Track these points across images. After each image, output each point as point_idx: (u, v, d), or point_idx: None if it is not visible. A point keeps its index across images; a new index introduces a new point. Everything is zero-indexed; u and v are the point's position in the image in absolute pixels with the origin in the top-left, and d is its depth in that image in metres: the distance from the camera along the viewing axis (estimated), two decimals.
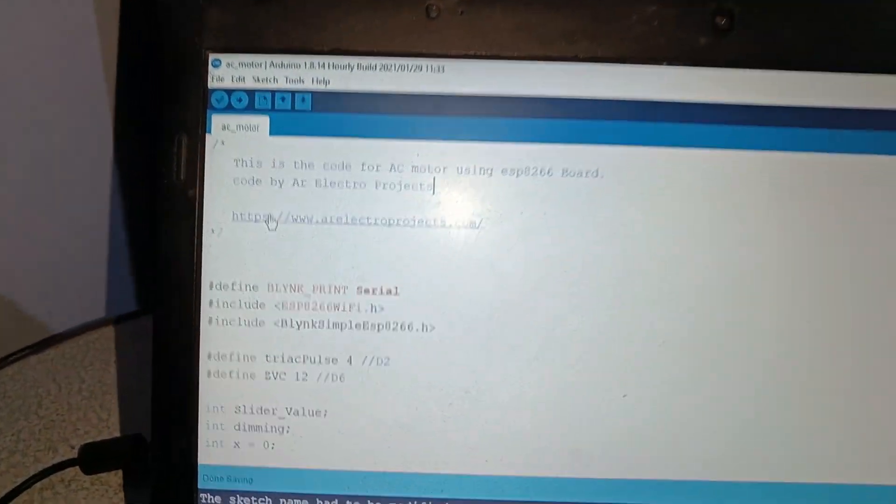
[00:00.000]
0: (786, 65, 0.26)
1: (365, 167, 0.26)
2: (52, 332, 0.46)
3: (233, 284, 0.26)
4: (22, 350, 0.44)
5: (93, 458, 0.36)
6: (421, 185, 0.26)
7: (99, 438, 0.38)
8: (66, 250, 0.45)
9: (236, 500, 0.26)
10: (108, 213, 0.45)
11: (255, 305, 0.26)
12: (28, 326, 0.45)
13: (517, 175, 0.26)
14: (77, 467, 0.36)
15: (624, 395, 0.26)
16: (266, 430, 0.26)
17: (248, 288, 0.26)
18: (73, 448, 0.38)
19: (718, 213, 0.26)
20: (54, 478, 0.36)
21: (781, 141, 0.26)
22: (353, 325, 0.26)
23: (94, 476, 0.36)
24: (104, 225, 0.46)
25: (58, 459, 0.36)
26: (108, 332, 0.46)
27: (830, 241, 0.26)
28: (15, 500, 0.34)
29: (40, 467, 0.36)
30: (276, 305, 0.26)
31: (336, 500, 0.26)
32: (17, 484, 0.35)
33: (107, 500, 0.35)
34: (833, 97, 0.26)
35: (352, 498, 0.26)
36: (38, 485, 0.35)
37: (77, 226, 0.45)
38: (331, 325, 0.26)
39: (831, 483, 0.27)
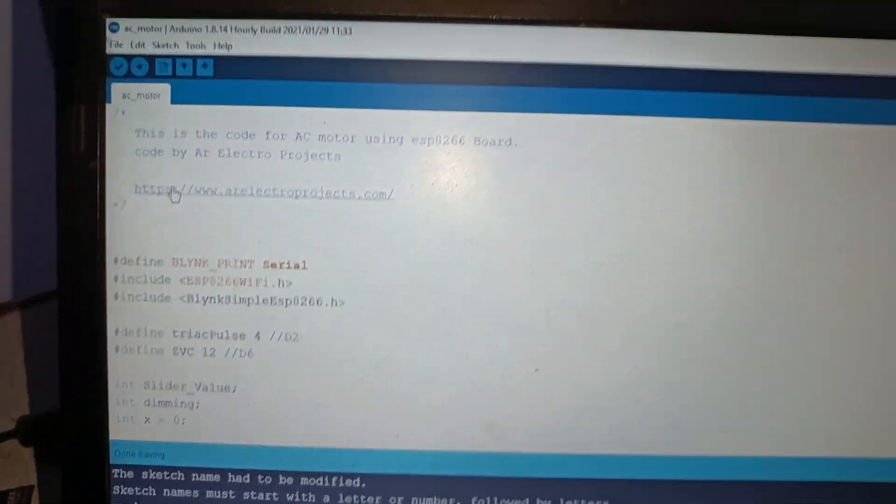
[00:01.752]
0: (706, 27, 0.24)
1: (270, 136, 0.25)
2: None
3: (137, 259, 0.25)
4: None
5: (31, 431, 0.36)
6: (328, 154, 0.25)
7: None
8: (6, 218, 0.44)
9: (149, 475, 0.26)
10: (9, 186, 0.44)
11: (160, 280, 0.25)
12: None
13: (428, 144, 0.25)
14: (15, 440, 0.36)
15: (536, 370, 0.25)
16: (176, 406, 0.26)
17: (152, 263, 0.25)
18: (12, 421, 0.37)
19: (636, 181, 0.25)
20: None
21: (704, 108, 0.25)
22: (261, 301, 0.25)
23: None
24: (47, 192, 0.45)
25: None
26: (51, 305, 0.45)
27: (743, 206, 0.25)
28: None
29: None
30: (181, 280, 0.25)
31: (248, 475, 0.26)
32: None
33: (49, 473, 0.35)
34: (755, 61, 0.25)
35: (263, 473, 0.26)
36: None
37: (20, 193, 0.44)
38: (237, 301, 0.25)
39: (755, 456, 0.26)
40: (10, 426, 0.37)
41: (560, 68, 0.25)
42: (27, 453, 0.36)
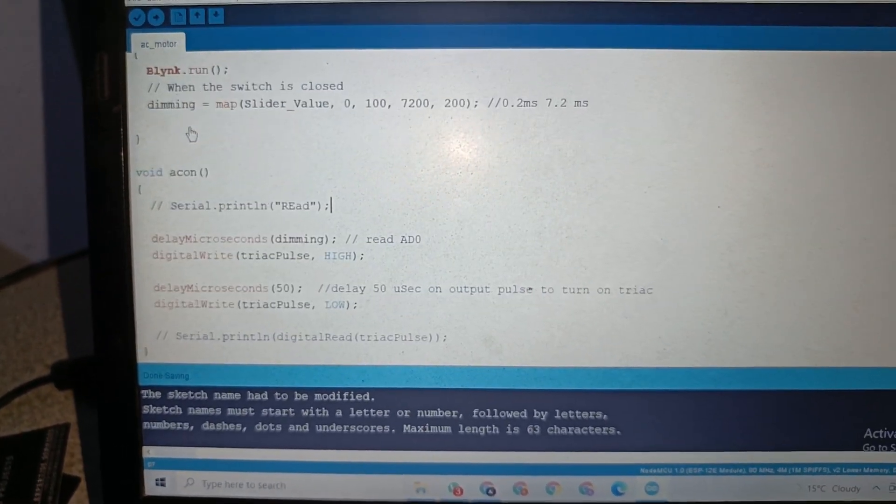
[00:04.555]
0: None
1: (281, 80, 0.27)
2: (30, 262, 0.48)
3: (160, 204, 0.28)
4: (0, 280, 0.47)
5: (65, 376, 0.39)
6: (330, 97, 0.27)
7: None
8: (42, 184, 0.47)
9: (174, 394, 0.28)
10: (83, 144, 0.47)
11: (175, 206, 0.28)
12: (7, 258, 0.47)
13: (421, 80, 0.27)
14: (51, 384, 0.39)
15: (529, 289, 0.27)
16: (199, 331, 0.28)
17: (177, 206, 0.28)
18: (47, 368, 0.40)
19: (618, 111, 0.27)
20: (31, 394, 0.38)
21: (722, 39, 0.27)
22: (275, 239, 0.27)
23: (68, 391, 0.39)
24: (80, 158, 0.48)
25: (33, 377, 0.39)
26: (83, 263, 0.48)
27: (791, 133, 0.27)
28: None
29: (17, 385, 0.38)
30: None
31: (265, 393, 0.28)
32: None
33: (85, 414, 0.37)
34: None
35: (279, 390, 0.28)
36: (16, 400, 0.38)
37: (54, 161, 0.47)
38: (255, 240, 0.28)
39: (738, 367, 0.28)
40: (46, 372, 0.39)
41: (554, 5, 0.27)
42: (63, 396, 0.38)
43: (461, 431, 0.28)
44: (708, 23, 0.27)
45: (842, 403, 0.28)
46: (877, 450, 0.28)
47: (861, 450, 0.28)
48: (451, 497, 0.29)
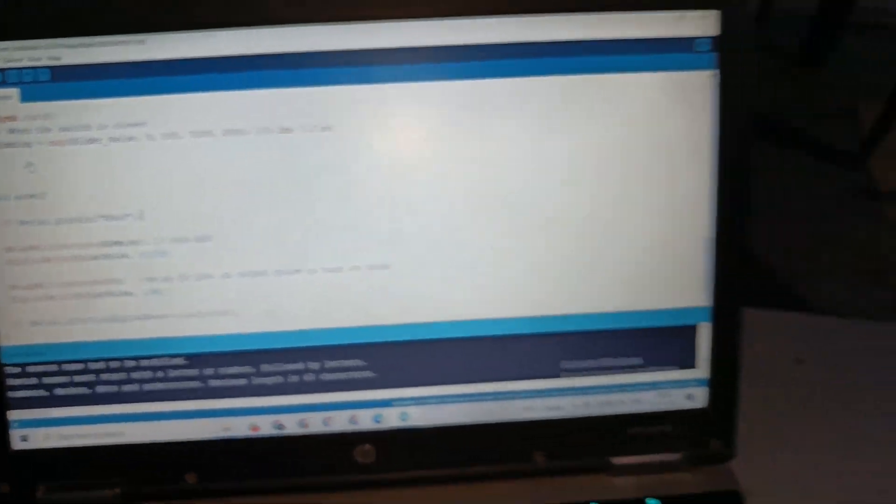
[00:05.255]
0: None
1: (98, 122, 0.35)
2: None
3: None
4: None
5: None
6: (144, 133, 0.36)
7: None
8: None
9: (32, 369, 0.37)
10: None
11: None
12: None
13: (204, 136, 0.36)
14: None
15: (298, 270, 0.36)
16: (48, 318, 0.36)
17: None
18: None
19: (472, 130, 0.36)
20: None
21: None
22: (101, 244, 0.36)
23: None
24: None
25: None
26: None
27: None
28: None
29: None
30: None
31: (103, 362, 0.37)
32: None
33: None
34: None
35: (113, 359, 0.37)
36: None
37: None
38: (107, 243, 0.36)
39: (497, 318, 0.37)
40: None
41: (302, 56, 0.35)
42: None
43: (254, 382, 0.37)
44: (426, 62, 0.36)
45: (543, 344, 0.37)
46: (571, 377, 0.38)
47: (559, 377, 0.38)
48: (251, 433, 0.37)
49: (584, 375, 0.38)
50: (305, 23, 0.35)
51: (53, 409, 0.37)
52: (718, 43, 0.36)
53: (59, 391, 0.37)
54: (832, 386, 0.49)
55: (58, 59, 0.35)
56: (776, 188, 1.63)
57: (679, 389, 0.39)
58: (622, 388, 0.38)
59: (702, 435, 0.39)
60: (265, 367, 0.37)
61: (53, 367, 0.37)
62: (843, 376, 0.50)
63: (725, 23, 0.36)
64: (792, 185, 1.66)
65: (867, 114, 1.77)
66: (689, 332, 0.38)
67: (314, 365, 0.37)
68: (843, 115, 1.87)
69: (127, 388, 0.37)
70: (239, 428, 0.38)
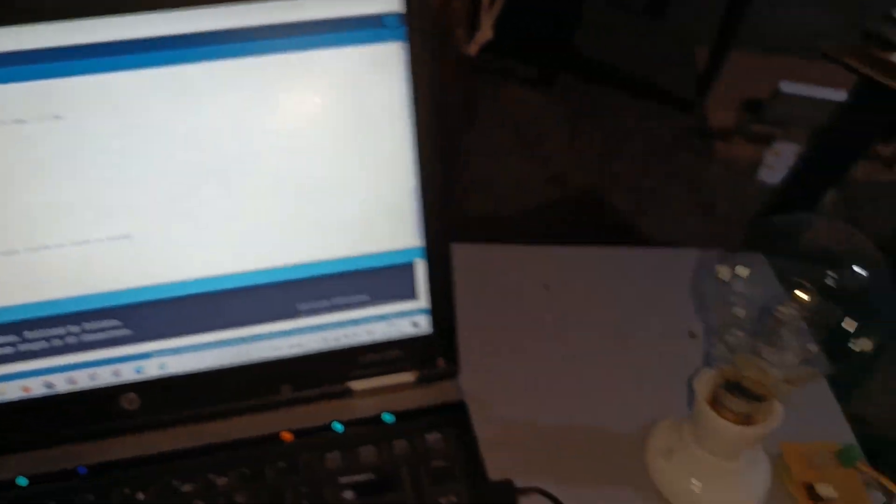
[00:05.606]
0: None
1: None
2: None
3: None
4: None
5: None
6: None
7: None
8: None
9: None
10: None
11: None
12: None
13: None
14: None
15: (45, 247, 0.41)
16: None
17: None
18: None
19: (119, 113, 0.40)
20: None
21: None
22: None
23: None
24: None
25: None
26: None
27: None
28: None
29: None
30: None
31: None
32: None
33: None
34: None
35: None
36: None
37: None
38: None
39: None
40: None
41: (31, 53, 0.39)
42: None
43: (20, 349, 0.41)
44: (142, 52, 0.40)
45: (280, 291, 0.43)
46: (308, 317, 0.44)
47: (298, 318, 0.44)
48: (23, 394, 0.42)
49: (319, 314, 0.44)
50: (28, 23, 0.39)
51: None
52: (405, 18, 0.42)
53: None
54: (571, 309, 0.57)
55: None
56: (620, 132, 1.75)
57: (405, 318, 0.46)
58: (355, 322, 0.45)
59: (429, 356, 0.46)
60: (29, 334, 0.41)
61: None
62: (582, 300, 0.58)
63: (409, 0, 0.42)
64: (635, 129, 1.78)
65: (702, 62, 1.91)
66: (407, 269, 0.45)
67: (74, 328, 0.42)
68: (682, 63, 2.00)
69: None
70: (12, 391, 0.42)
